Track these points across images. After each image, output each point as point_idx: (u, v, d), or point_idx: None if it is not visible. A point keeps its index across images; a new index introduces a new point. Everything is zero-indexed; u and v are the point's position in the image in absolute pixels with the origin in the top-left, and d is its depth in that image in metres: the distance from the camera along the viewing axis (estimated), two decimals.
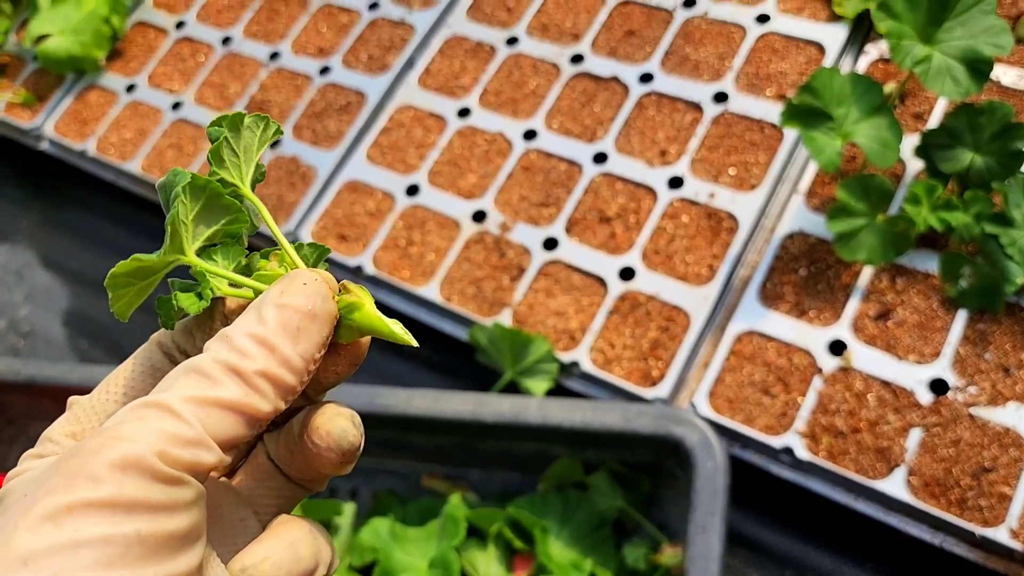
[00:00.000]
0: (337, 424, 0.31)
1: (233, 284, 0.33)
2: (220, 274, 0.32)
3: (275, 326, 0.29)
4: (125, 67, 1.29)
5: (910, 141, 0.88)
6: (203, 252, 0.33)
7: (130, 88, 1.27)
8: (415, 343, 0.32)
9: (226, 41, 1.26)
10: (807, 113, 0.82)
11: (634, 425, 0.74)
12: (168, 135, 1.20)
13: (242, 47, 1.24)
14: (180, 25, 1.30)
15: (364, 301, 0.31)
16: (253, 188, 0.35)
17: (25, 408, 1.02)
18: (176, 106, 1.22)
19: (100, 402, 0.33)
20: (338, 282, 0.32)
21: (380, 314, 0.31)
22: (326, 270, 0.33)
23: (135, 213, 1.22)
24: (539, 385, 0.88)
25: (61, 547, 0.23)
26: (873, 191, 0.82)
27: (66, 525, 0.24)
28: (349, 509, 0.84)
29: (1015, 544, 0.70)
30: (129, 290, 0.32)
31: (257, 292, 0.33)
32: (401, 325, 0.32)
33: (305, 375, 0.30)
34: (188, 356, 0.33)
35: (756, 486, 0.81)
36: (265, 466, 0.34)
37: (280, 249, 0.34)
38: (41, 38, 1.26)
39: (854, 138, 0.81)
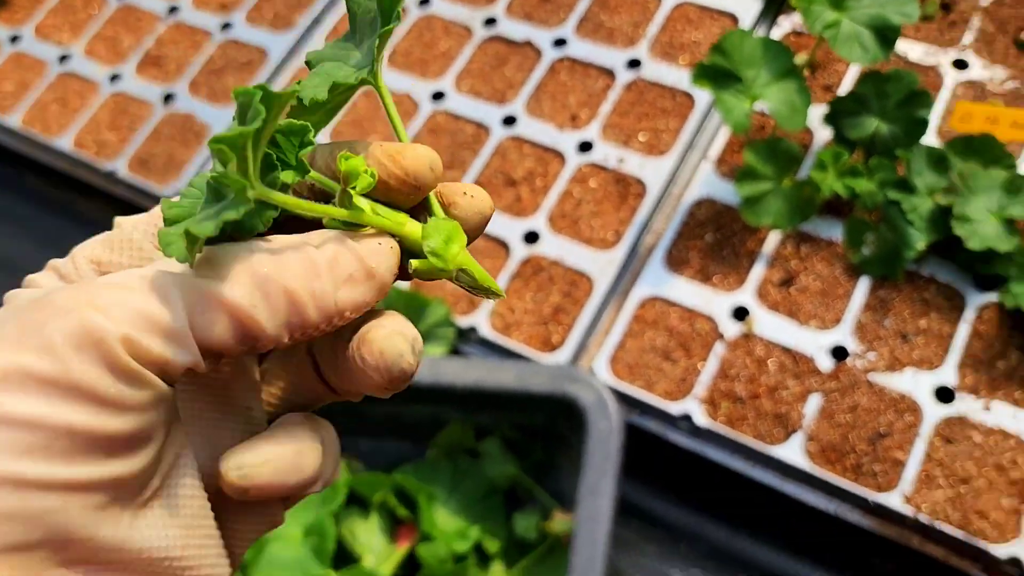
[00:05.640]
0: (394, 344, 0.26)
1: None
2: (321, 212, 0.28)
3: (329, 258, 0.25)
4: (11, 17, 1.21)
5: (819, 111, 0.86)
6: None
7: (14, 39, 1.18)
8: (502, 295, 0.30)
9: None
10: (717, 74, 0.80)
11: (528, 384, 0.71)
12: (53, 88, 1.12)
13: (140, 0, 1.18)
14: None
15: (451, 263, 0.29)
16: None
17: None
18: (63, 59, 1.15)
19: (143, 234, 0.27)
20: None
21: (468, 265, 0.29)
22: None
23: (10, 171, 1.13)
24: (435, 350, 0.84)
25: None
26: (781, 155, 0.80)
27: None
28: None
29: (907, 509, 0.69)
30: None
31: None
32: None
33: (329, 324, 0.25)
34: None
35: (653, 457, 0.78)
36: (301, 358, 0.29)
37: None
38: None
39: (763, 100, 0.79)
